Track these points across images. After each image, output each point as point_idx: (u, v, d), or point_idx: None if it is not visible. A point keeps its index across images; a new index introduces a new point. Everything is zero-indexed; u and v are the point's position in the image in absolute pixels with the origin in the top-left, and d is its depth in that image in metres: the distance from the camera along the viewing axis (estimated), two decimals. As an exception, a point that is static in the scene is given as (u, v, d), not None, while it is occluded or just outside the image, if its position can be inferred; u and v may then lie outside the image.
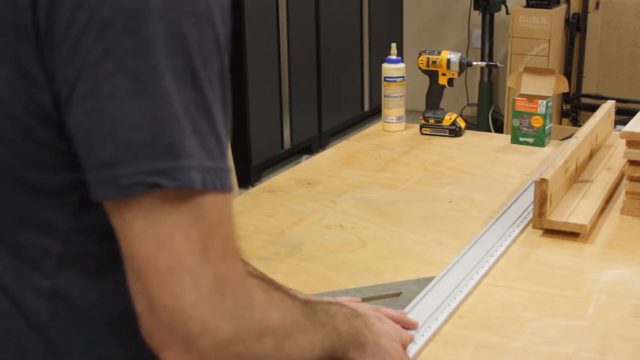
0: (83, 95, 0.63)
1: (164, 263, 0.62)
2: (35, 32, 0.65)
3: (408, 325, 1.06)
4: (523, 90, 1.89)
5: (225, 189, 0.65)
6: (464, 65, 1.94)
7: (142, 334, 0.65)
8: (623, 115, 2.68)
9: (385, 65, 1.98)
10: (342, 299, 1.04)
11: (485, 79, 4.55)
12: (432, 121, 1.97)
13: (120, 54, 0.62)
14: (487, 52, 4.50)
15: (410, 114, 2.15)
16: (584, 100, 4.39)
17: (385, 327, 0.95)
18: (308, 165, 1.80)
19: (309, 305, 0.79)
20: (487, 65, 2.31)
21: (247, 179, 3.71)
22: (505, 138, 1.94)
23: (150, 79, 0.62)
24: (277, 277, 1.07)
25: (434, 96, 1.98)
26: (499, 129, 4.46)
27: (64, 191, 0.70)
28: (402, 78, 1.98)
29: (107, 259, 0.71)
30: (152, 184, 0.62)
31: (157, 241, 0.62)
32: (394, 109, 1.98)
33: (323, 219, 1.49)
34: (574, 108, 4.41)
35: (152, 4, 0.62)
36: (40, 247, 0.71)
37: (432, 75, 1.97)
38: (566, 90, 1.92)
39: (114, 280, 0.71)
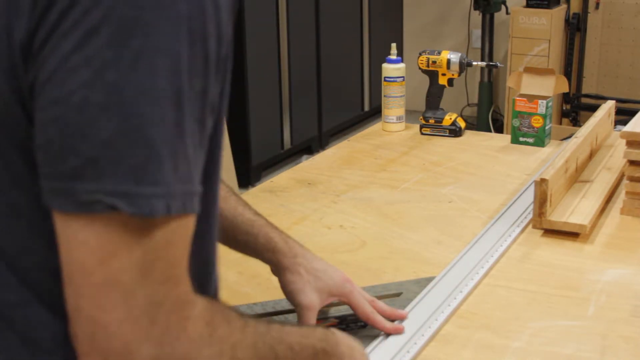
0: (52, 100, 0.59)
1: (99, 277, 0.60)
2: (33, 13, 0.60)
3: (398, 317, 1.09)
4: (523, 90, 1.89)
5: (188, 211, 0.62)
6: (464, 65, 1.94)
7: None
8: (623, 115, 2.69)
9: (385, 65, 1.98)
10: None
11: (485, 79, 4.55)
12: (432, 121, 1.97)
13: (99, 65, 0.58)
14: (487, 52, 4.51)
15: (410, 114, 2.15)
16: (584, 100, 4.39)
17: None
18: (308, 165, 1.80)
19: (266, 339, 0.72)
20: (487, 65, 2.31)
21: (247, 179, 3.71)
22: (505, 138, 1.94)
23: (127, 96, 0.58)
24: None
25: (434, 96, 1.99)
26: (499, 129, 4.46)
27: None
28: (402, 78, 1.98)
29: None
30: (110, 205, 0.58)
31: (99, 255, 0.59)
32: (394, 109, 1.98)
33: (323, 219, 1.49)
34: (574, 108, 4.41)
35: (145, 16, 0.58)
36: (35, 259, 0.67)
37: (432, 75, 1.97)
38: (566, 90, 1.92)
39: None
